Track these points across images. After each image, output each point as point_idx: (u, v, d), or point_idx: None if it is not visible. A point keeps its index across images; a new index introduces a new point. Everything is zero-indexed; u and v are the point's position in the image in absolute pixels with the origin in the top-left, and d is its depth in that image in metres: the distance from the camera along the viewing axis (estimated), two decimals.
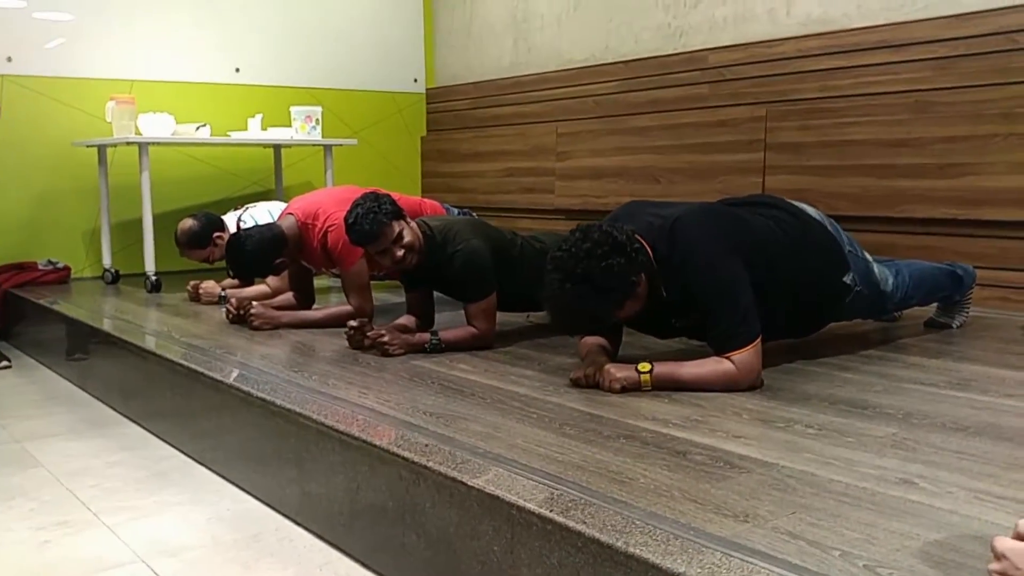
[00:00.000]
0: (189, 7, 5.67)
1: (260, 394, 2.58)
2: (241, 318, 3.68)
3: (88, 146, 5.14)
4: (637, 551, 1.47)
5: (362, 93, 6.34)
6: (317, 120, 5.33)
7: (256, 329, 3.57)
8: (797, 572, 1.37)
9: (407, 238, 3.02)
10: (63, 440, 3.23)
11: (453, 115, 6.55)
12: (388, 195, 3.09)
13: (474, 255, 3.06)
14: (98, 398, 3.79)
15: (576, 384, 2.54)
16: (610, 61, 5.40)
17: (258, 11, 5.92)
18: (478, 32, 6.38)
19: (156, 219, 4.84)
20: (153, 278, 4.79)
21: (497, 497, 1.74)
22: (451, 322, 3.27)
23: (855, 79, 4.23)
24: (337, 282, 4.46)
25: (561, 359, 2.93)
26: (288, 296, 3.91)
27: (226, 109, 5.64)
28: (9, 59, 5.12)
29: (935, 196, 3.86)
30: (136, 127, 4.86)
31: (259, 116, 5.30)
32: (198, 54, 5.72)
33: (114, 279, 5.19)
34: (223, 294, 4.30)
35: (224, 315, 3.84)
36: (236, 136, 5.28)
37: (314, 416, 2.33)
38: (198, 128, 5.03)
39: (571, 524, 1.59)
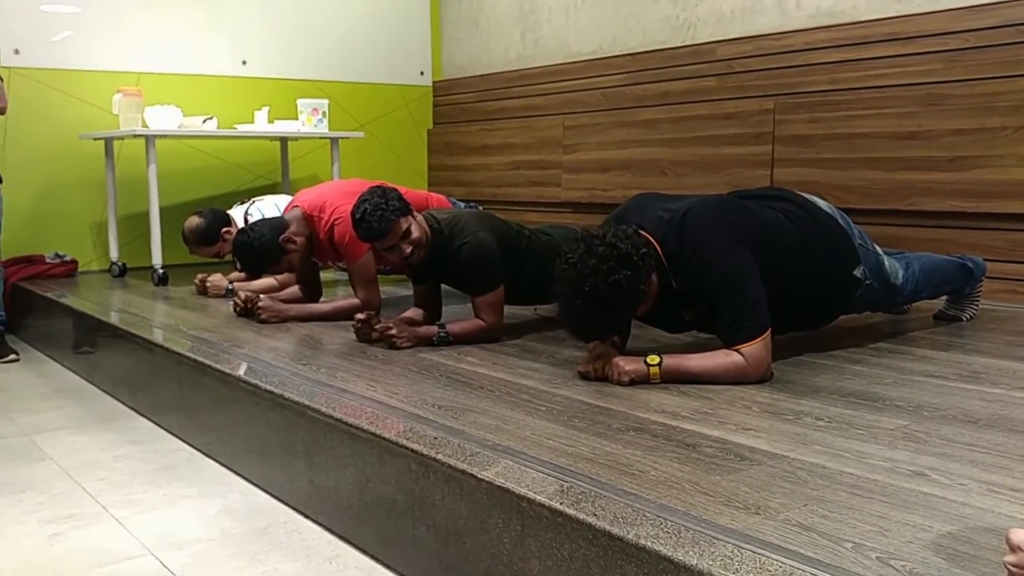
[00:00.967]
0: (196, 0, 5.66)
1: (268, 387, 2.58)
2: (248, 311, 3.68)
3: (95, 139, 5.14)
4: (648, 543, 1.47)
5: (369, 86, 6.34)
6: (324, 113, 5.33)
7: (263, 322, 3.57)
8: (810, 564, 1.37)
9: (414, 234, 3.01)
10: (71, 433, 3.24)
11: (460, 108, 6.54)
12: (395, 190, 3.08)
13: (481, 248, 3.05)
14: (106, 391, 3.79)
15: (585, 377, 2.54)
16: (618, 54, 5.39)
17: (265, 4, 5.91)
18: (485, 24, 6.36)
19: (163, 212, 4.85)
20: (160, 271, 4.79)
21: (507, 490, 1.74)
22: (458, 315, 3.27)
23: (864, 72, 4.20)
24: (344, 275, 4.45)
25: (569, 352, 2.92)
26: (295, 289, 3.90)
27: (233, 102, 5.64)
28: (16, 51, 5.13)
29: (944, 189, 3.84)
30: (143, 120, 4.85)
31: (266, 109, 5.30)
32: (205, 47, 5.72)
33: (121, 272, 5.20)
34: (230, 287, 4.30)
35: (231, 308, 3.84)
36: (243, 129, 5.27)
37: (323, 409, 2.33)
38: (205, 121, 5.03)
39: (582, 516, 1.58)
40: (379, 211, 2.95)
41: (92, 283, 5.02)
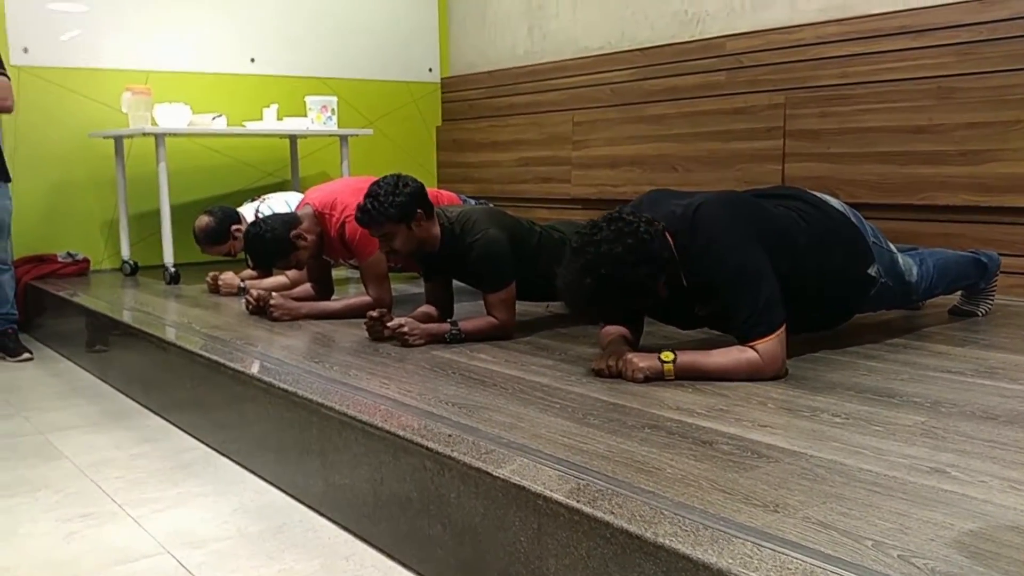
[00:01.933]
0: None
1: (282, 385, 2.58)
2: (261, 309, 3.68)
3: (105, 137, 5.15)
4: (667, 541, 1.46)
5: (377, 83, 6.33)
6: (333, 110, 5.33)
7: (276, 320, 3.57)
8: (831, 562, 1.36)
9: (396, 244, 3.01)
10: (86, 432, 3.24)
11: (468, 104, 6.53)
12: (412, 188, 3.02)
13: (493, 244, 3.05)
14: (119, 390, 3.80)
15: (598, 374, 2.53)
16: (626, 49, 5.37)
17: (273, 2, 5.91)
18: (493, 20, 6.35)
19: (174, 210, 4.85)
20: (172, 270, 4.80)
21: (523, 487, 1.74)
22: (470, 312, 3.26)
23: (875, 65, 4.18)
24: (355, 273, 4.45)
25: (582, 349, 2.91)
26: (307, 287, 3.91)
27: (242, 99, 5.65)
28: (25, 50, 5.13)
29: (958, 183, 3.82)
30: (152, 118, 4.86)
31: (275, 106, 5.31)
32: (214, 44, 5.72)
33: (133, 271, 5.21)
34: (242, 285, 4.31)
35: (244, 306, 3.84)
36: (252, 126, 5.28)
37: (336, 407, 2.33)
38: (214, 119, 5.03)
39: (599, 514, 1.58)
40: (375, 202, 2.96)
41: (104, 282, 5.03)
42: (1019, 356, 2.68)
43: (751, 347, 2.40)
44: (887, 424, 2.04)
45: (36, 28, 5.18)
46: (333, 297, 3.87)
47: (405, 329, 3.02)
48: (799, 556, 1.39)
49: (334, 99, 5.38)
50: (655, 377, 2.44)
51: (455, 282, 3.32)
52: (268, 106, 5.30)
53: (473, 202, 4.32)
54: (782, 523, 1.51)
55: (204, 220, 4.41)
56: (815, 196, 2.80)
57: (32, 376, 4.13)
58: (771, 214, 2.61)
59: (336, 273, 4.14)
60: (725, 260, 2.42)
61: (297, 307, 3.65)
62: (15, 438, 3.18)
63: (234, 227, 4.37)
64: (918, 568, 1.34)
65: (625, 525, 1.53)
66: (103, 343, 4.07)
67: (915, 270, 2.89)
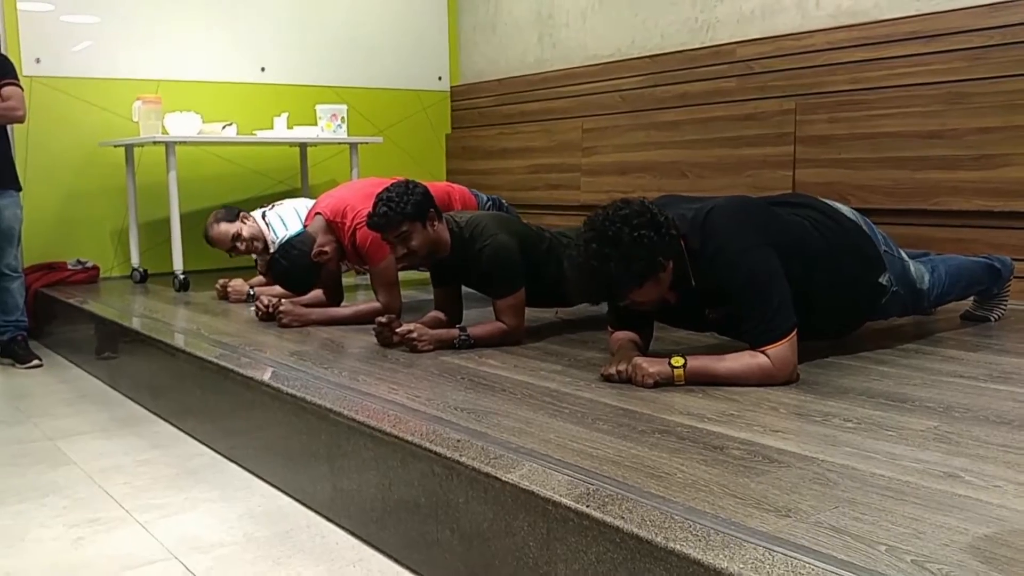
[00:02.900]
0: (215, 7, 5.69)
1: (291, 391, 2.57)
2: (270, 316, 3.68)
3: (115, 146, 5.17)
4: (678, 546, 1.44)
5: (387, 91, 6.34)
6: (343, 118, 5.34)
7: (285, 326, 3.57)
8: (844, 568, 1.34)
9: (413, 241, 3.00)
10: (94, 438, 3.24)
11: (478, 112, 6.53)
12: (420, 190, 3.03)
13: (502, 250, 3.04)
14: (128, 396, 3.80)
15: (608, 379, 2.51)
16: (636, 56, 5.37)
17: (283, 11, 5.93)
18: (503, 28, 6.36)
19: (183, 218, 4.86)
20: (181, 277, 4.80)
21: (532, 492, 1.72)
22: (479, 318, 3.25)
23: (886, 71, 4.16)
24: (364, 279, 4.45)
25: (591, 354, 2.90)
26: (317, 293, 3.90)
27: (252, 108, 5.66)
28: (38, 60, 5.16)
29: (969, 188, 3.80)
30: (163, 127, 4.88)
31: (285, 115, 5.32)
32: (224, 54, 5.74)
33: (142, 278, 5.22)
34: (252, 292, 4.30)
35: (253, 313, 3.84)
36: (262, 135, 5.29)
37: (345, 412, 2.32)
38: (224, 127, 5.05)
39: (609, 519, 1.56)
40: (388, 205, 2.96)
41: (114, 289, 5.04)
42: None
43: (762, 352, 2.39)
44: (900, 429, 2.01)
45: (48, 39, 5.21)
46: (343, 303, 3.87)
47: (414, 335, 3.01)
48: (811, 561, 1.37)
49: (344, 107, 5.39)
50: (665, 382, 2.42)
51: (464, 288, 3.31)
52: (278, 115, 5.31)
53: (485, 198, 4.31)
54: (794, 528, 1.49)
55: (213, 214, 4.41)
56: (827, 204, 2.78)
57: (41, 383, 4.13)
58: (783, 221, 2.59)
59: (345, 280, 4.13)
60: (737, 264, 2.40)
61: (306, 313, 3.65)
62: (24, 444, 3.18)
63: (242, 213, 4.38)
64: (932, 573, 1.32)
65: (635, 530, 1.52)
66: (112, 350, 4.07)
67: (927, 277, 2.87)
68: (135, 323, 3.90)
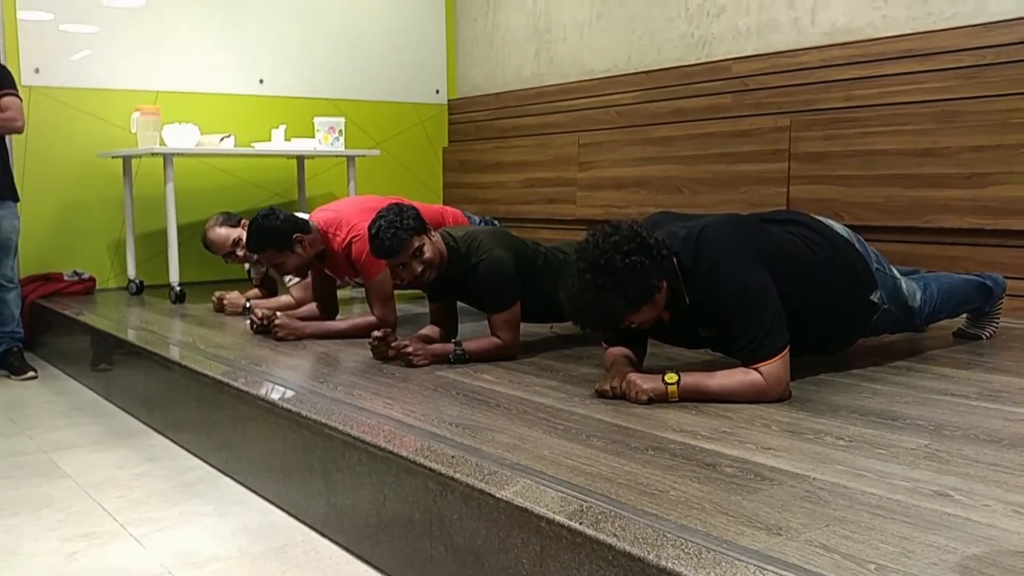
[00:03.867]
0: (214, 19, 5.72)
1: (285, 405, 2.58)
2: (265, 329, 3.69)
3: (113, 157, 5.18)
4: (670, 564, 1.46)
5: (384, 104, 6.37)
6: (340, 131, 5.36)
7: (280, 340, 3.58)
8: None
9: (427, 254, 3.02)
10: (88, 451, 3.25)
11: (475, 126, 6.56)
12: (413, 207, 3.09)
13: (497, 265, 3.06)
14: (123, 409, 3.81)
15: (602, 395, 2.53)
16: (632, 71, 5.40)
17: (282, 23, 5.96)
18: (500, 43, 6.39)
19: (180, 230, 4.87)
20: (177, 289, 4.81)
21: (526, 509, 1.73)
22: (474, 333, 3.26)
23: (880, 89, 4.20)
24: (360, 292, 4.46)
25: (586, 370, 2.91)
26: (312, 307, 3.91)
27: (250, 120, 5.68)
28: (36, 70, 5.18)
29: (963, 206, 3.82)
30: (161, 138, 4.89)
31: (283, 127, 5.33)
32: (222, 65, 5.76)
33: (138, 290, 5.22)
34: (247, 305, 4.31)
35: (248, 326, 3.85)
36: (260, 147, 5.31)
37: (340, 427, 2.32)
38: (222, 139, 5.06)
39: (601, 537, 1.57)
40: (393, 228, 2.97)
41: (110, 301, 5.05)
42: (1023, 379, 2.67)
43: (755, 369, 2.40)
44: (891, 447, 2.03)
45: (47, 49, 5.22)
46: (338, 317, 3.88)
47: (409, 349, 3.02)
48: None
49: (342, 120, 5.41)
50: (659, 399, 2.43)
51: (459, 303, 3.32)
52: (276, 127, 5.33)
53: (478, 220, 4.33)
54: (785, 546, 1.50)
55: (214, 217, 4.39)
56: (819, 222, 2.81)
57: (36, 394, 4.13)
58: (776, 238, 2.61)
59: (341, 293, 4.15)
60: (729, 282, 2.42)
61: (302, 327, 3.66)
62: (18, 456, 3.18)
63: (243, 220, 4.36)
64: None
65: (628, 548, 1.53)
66: (107, 362, 4.07)
67: (918, 295, 2.89)
68: (131, 335, 3.91)
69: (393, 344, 3.07)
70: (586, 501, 1.73)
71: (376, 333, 3.16)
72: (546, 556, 1.69)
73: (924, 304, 2.90)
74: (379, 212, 3.05)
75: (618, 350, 2.69)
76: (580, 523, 1.63)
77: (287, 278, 4.21)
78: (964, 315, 3.27)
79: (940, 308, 2.98)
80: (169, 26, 5.56)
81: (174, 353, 3.47)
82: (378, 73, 6.33)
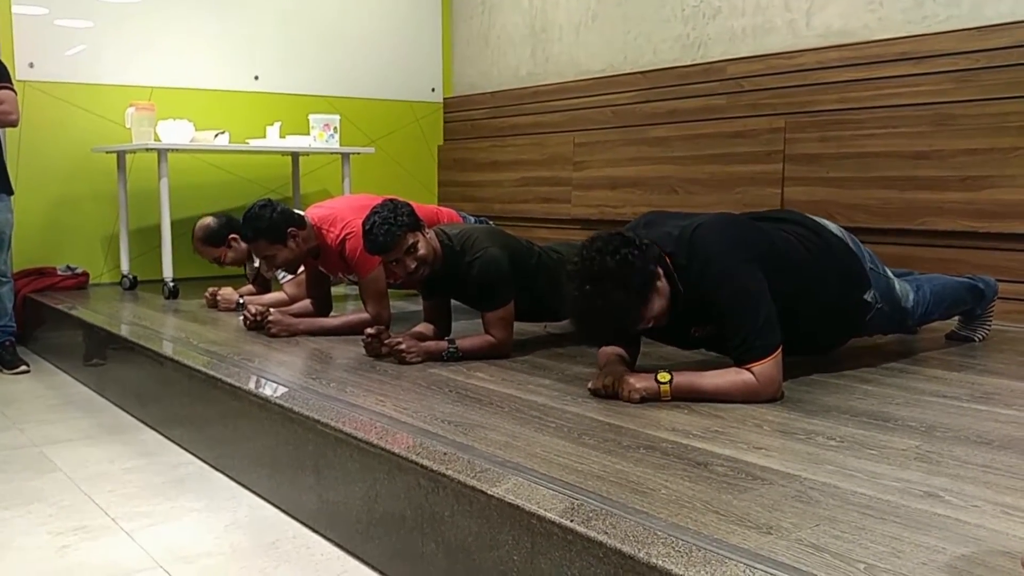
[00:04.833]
0: (209, 15, 5.71)
1: (278, 401, 2.58)
2: (259, 325, 3.68)
3: (107, 152, 5.17)
4: (660, 562, 1.46)
5: (380, 102, 6.36)
6: (335, 128, 5.36)
7: (274, 336, 3.58)
8: None
9: (421, 250, 3.02)
10: (80, 445, 3.24)
11: (470, 124, 6.56)
12: (407, 204, 3.09)
13: (492, 263, 3.06)
14: (115, 403, 3.80)
15: (595, 394, 2.53)
16: (628, 71, 5.40)
17: (277, 20, 5.95)
18: (496, 42, 6.39)
19: (174, 225, 4.86)
20: (171, 284, 4.80)
21: (517, 506, 1.73)
22: (468, 331, 3.27)
23: (875, 91, 4.21)
24: (354, 289, 4.46)
25: (579, 368, 2.92)
26: (305, 303, 3.91)
27: (245, 117, 5.67)
28: (31, 65, 5.17)
29: (956, 209, 3.83)
30: (155, 133, 4.88)
31: (277, 124, 5.33)
32: (217, 62, 5.76)
33: (132, 285, 5.21)
34: (241, 301, 4.31)
35: (242, 322, 3.84)
36: (255, 143, 5.30)
37: (332, 423, 2.33)
38: (217, 135, 5.05)
39: (592, 534, 1.58)
40: (387, 224, 2.97)
41: (103, 295, 5.04)
42: (1015, 382, 2.68)
43: (748, 369, 2.41)
44: (882, 448, 2.04)
45: (42, 43, 5.21)
46: (331, 314, 3.88)
47: (403, 346, 3.02)
48: None
49: (337, 118, 5.41)
50: (651, 398, 2.43)
51: (453, 301, 3.32)
52: (271, 124, 5.33)
53: (473, 220, 4.34)
54: (775, 545, 1.51)
55: (206, 220, 4.40)
56: (813, 220, 2.81)
57: (28, 389, 4.12)
58: (769, 237, 2.62)
59: (335, 290, 4.14)
60: (722, 281, 2.43)
61: (295, 323, 3.65)
62: (10, 450, 3.18)
63: (231, 235, 4.35)
64: None
65: (618, 545, 1.53)
66: (100, 357, 4.07)
67: (911, 296, 2.89)
68: (123, 330, 3.90)
69: (386, 341, 3.07)
70: (577, 499, 1.73)
71: (369, 330, 3.16)
72: (537, 553, 1.69)
73: (917, 305, 2.91)
74: (373, 208, 3.05)
75: (611, 349, 2.69)
76: (571, 521, 1.63)
77: (279, 274, 4.21)
78: (957, 318, 3.28)
79: (932, 309, 2.99)
80: (164, 22, 5.55)
81: (167, 348, 3.46)
82: (374, 71, 6.33)
